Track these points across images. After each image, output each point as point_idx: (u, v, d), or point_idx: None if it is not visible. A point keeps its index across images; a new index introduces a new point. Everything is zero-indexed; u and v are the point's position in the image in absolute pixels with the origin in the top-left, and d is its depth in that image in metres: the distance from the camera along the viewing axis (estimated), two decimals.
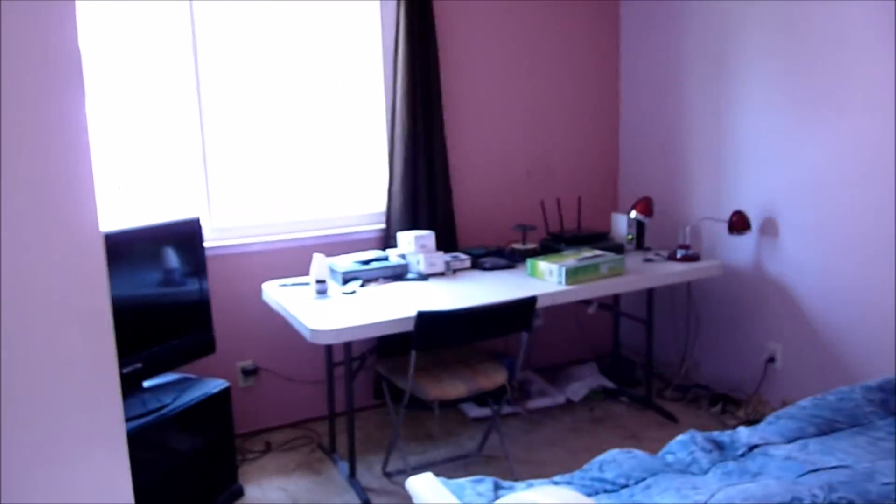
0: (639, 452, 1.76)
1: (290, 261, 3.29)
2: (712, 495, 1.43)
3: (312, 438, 3.31)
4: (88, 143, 0.98)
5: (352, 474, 2.90)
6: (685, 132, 3.65)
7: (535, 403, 3.53)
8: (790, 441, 1.81)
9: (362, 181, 3.54)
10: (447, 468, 2.97)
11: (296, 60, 3.32)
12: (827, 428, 1.88)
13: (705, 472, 1.67)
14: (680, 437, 1.82)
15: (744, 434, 1.85)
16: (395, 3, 3.32)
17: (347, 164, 3.51)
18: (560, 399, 3.57)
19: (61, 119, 0.95)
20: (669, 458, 1.76)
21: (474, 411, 3.44)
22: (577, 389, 3.61)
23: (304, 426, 3.41)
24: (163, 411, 2.51)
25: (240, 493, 2.86)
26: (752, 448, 1.77)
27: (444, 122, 3.46)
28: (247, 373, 3.32)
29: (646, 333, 3.53)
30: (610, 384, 3.67)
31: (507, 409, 3.41)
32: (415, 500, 1.57)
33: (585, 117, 3.94)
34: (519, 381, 3.63)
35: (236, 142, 3.27)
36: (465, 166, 3.65)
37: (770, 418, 1.97)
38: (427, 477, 1.60)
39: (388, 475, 2.97)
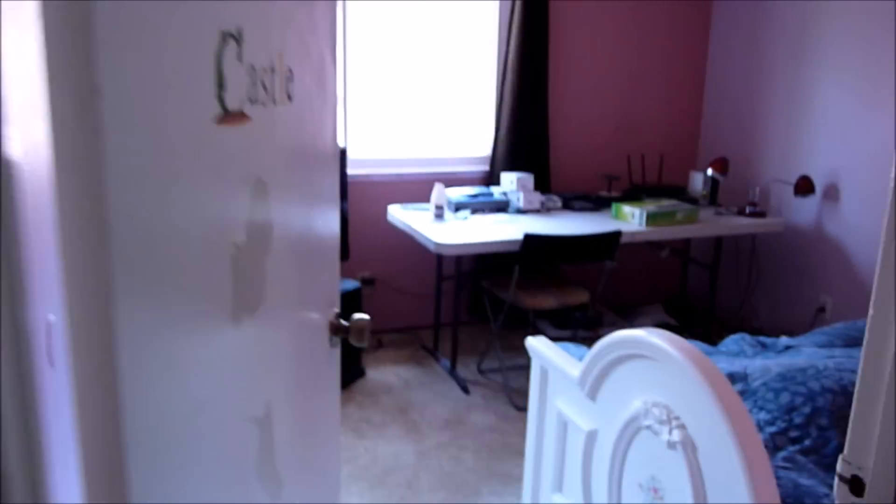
0: (700, 343, 2.30)
1: (407, 191, 3.90)
2: (753, 361, 1.96)
3: (418, 341, 3.96)
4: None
5: (452, 368, 3.53)
6: (763, 101, 4.05)
7: (606, 332, 4.07)
8: (820, 347, 2.30)
9: (472, 129, 4.10)
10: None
11: (424, 24, 3.87)
12: (852, 342, 2.36)
13: (750, 358, 2.19)
14: (732, 336, 2.34)
15: (783, 340, 2.36)
16: None
17: (459, 114, 4.07)
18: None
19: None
20: (723, 348, 2.29)
21: (553, 332, 4.01)
22: (644, 323, 4.13)
23: (411, 332, 4.06)
24: None
25: (362, 374, 3.53)
26: (788, 348, 2.28)
27: (548, 81, 3.97)
28: (365, 282, 3.97)
29: (710, 279, 4.01)
30: (673, 321, 4.18)
31: (581, 333, 3.97)
32: (533, 355, 2.16)
33: (673, 84, 4.37)
34: (593, 312, 4.18)
35: (372, 88, 3.87)
36: (562, 121, 4.16)
37: (807, 333, 2.46)
38: (541, 339, 2.19)
39: (482, 372, 3.59)
